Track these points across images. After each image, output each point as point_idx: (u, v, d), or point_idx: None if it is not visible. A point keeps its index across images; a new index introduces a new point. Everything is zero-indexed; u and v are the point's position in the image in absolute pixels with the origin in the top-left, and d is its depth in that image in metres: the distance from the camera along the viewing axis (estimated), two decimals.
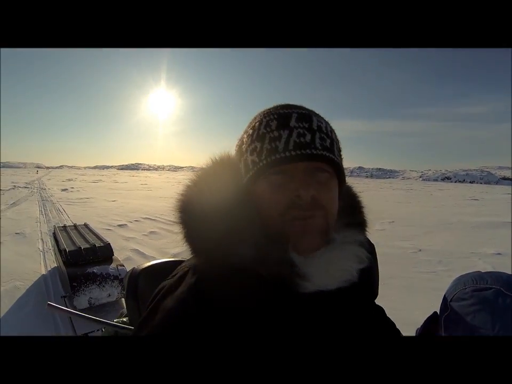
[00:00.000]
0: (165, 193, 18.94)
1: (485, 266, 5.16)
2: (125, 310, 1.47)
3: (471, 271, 0.69)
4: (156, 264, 1.26)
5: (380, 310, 0.82)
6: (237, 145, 0.66)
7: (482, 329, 0.56)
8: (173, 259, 1.36)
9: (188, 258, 1.45)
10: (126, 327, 1.09)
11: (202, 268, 0.56)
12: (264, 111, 0.63)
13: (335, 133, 0.63)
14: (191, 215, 0.59)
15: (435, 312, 0.70)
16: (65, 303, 3.19)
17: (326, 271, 0.56)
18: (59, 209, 10.49)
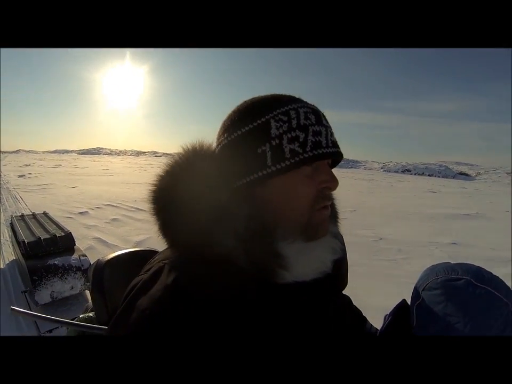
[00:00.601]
0: (127, 179, 18.57)
1: (441, 255, 5.52)
2: (90, 304, 1.42)
3: (441, 262, 0.72)
4: (122, 254, 1.22)
5: (347, 299, 0.86)
6: (246, 127, 0.59)
7: (453, 317, 0.59)
8: (138, 249, 1.32)
9: (150, 247, 1.41)
10: (94, 327, 1.05)
11: (180, 263, 0.54)
12: (289, 100, 0.60)
13: None
14: (167, 205, 0.57)
15: (404, 300, 0.74)
16: (26, 298, 3.03)
17: (305, 262, 0.57)
18: (16, 197, 9.90)
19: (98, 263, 1.14)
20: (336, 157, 0.60)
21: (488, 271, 0.64)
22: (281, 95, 0.62)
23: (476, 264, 0.66)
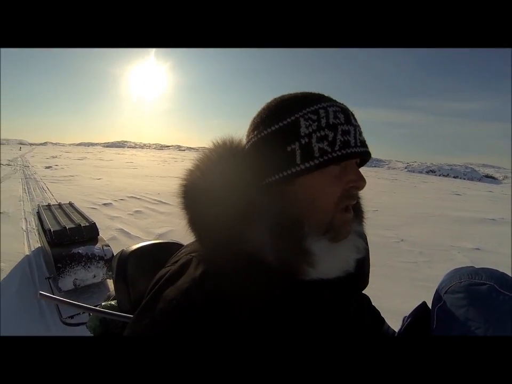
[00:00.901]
0: (150, 172, 18.82)
1: (463, 260, 5.34)
2: (112, 293, 1.46)
3: (465, 266, 0.71)
4: (146, 246, 1.24)
5: (367, 299, 0.85)
6: (276, 125, 0.59)
7: (474, 322, 0.58)
8: (162, 241, 1.34)
9: (173, 240, 1.43)
10: (117, 314, 1.07)
11: (208, 257, 0.54)
12: (319, 99, 0.60)
13: None
14: (196, 200, 0.58)
15: (424, 302, 0.72)
16: (50, 284, 3.14)
17: (330, 260, 0.57)
18: (43, 188, 10.27)
19: (122, 253, 1.17)
20: (364, 156, 0.59)
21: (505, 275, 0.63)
22: (311, 93, 0.62)
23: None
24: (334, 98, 0.62)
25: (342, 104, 0.61)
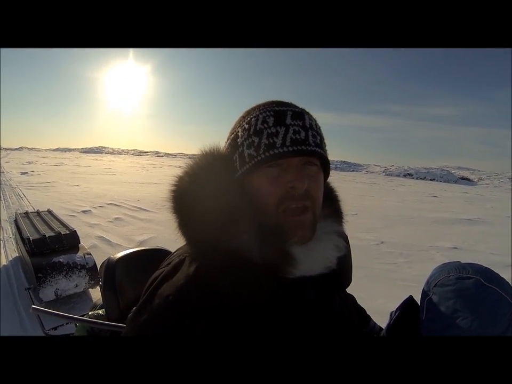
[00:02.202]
0: (129, 178, 18.53)
1: (442, 259, 5.49)
2: (98, 302, 1.44)
3: (452, 261, 0.75)
4: (133, 252, 1.25)
5: (352, 298, 0.89)
6: (229, 138, 0.67)
7: (461, 313, 0.62)
8: (148, 247, 1.35)
9: (159, 246, 1.43)
10: (110, 324, 1.06)
11: (200, 256, 0.57)
12: (259, 107, 0.65)
13: (321, 130, 0.67)
14: (185, 204, 0.61)
15: (410, 296, 0.76)
16: (30, 295, 3.02)
17: (312, 259, 0.61)
18: (19, 194, 9.92)
19: (109, 260, 1.17)
20: (295, 154, 0.59)
21: (496, 273, 0.67)
22: (266, 103, 0.66)
23: None
24: (287, 103, 0.65)
25: (281, 107, 0.63)
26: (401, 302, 0.76)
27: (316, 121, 0.66)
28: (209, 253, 0.57)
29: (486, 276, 0.66)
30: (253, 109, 0.66)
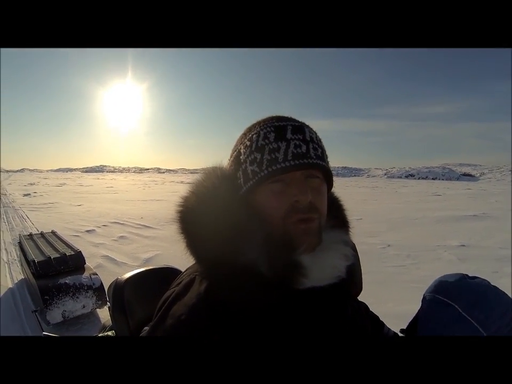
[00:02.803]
0: (131, 196, 18.57)
1: (450, 258, 5.48)
2: (106, 323, 1.43)
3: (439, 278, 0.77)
4: (140, 272, 1.24)
5: (364, 305, 0.87)
6: (232, 155, 0.68)
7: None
8: (155, 267, 1.34)
9: (166, 264, 1.42)
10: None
11: (209, 274, 0.58)
12: (260, 124, 0.66)
13: (322, 142, 0.68)
14: (192, 224, 0.62)
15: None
16: (37, 317, 3.00)
17: (321, 269, 0.61)
18: (22, 216, 9.95)
19: (117, 282, 1.16)
20: (297, 168, 0.60)
21: (448, 282, 0.72)
22: (266, 119, 0.67)
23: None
24: (287, 117, 0.66)
25: (281, 122, 0.64)
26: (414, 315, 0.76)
27: (316, 134, 0.67)
28: (218, 271, 0.57)
29: (437, 290, 0.71)
30: (254, 126, 0.67)
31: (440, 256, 5.68)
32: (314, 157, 0.61)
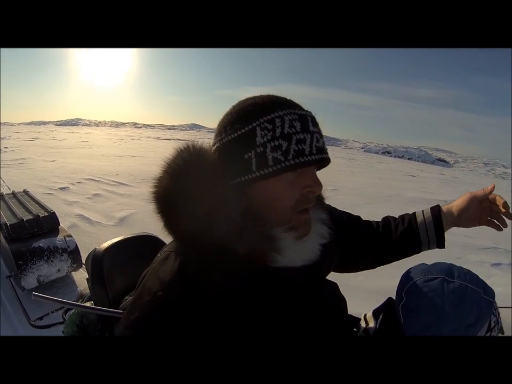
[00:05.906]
0: (107, 151, 17.89)
1: None
2: (83, 292, 1.43)
3: (417, 264, 0.79)
4: (118, 242, 1.23)
5: (334, 286, 0.92)
6: (230, 131, 0.64)
7: (431, 315, 0.68)
8: (133, 235, 1.34)
9: (145, 232, 1.42)
10: (108, 310, 1.04)
11: (184, 250, 0.60)
12: (278, 105, 0.63)
13: None
14: (167, 203, 0.62)
15: (390, 298, 0.80)
16: (11, 283, 2.94)
17: (297, 250, 0.63)
18: None
19: (96, 252, 1.15)
20: (320, 163, 0.63)
21: (459, 267, 0.74)
22: (273, 99, 0.65)
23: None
24: (296, 104, 0.65)
25: (302, 110, 0.64)
26: (382, 303, 0.79)
27: None
28: (192, 246, 0.59)
29: (449, 273, 0.71)
30: (268, 105, 0.63)
31: None
32: (326, 151, 0.64)
